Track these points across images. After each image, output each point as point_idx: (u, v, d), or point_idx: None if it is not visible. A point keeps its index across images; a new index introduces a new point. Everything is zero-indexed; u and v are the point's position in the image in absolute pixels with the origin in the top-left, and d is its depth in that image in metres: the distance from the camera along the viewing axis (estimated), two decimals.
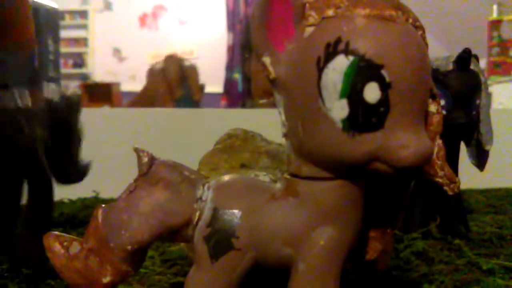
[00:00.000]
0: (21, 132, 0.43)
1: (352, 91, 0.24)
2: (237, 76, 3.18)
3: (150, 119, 1.14)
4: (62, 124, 0.50)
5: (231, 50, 3.34)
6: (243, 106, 2.30)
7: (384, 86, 0.24)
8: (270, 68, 0.27)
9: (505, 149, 1.00)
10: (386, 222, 0.30)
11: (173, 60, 2.17)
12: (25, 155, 0.45)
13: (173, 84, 2.06)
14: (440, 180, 0.29)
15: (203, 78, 2.21)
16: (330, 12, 0.25)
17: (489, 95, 0.62)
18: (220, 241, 0.28)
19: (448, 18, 3.13)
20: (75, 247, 0.30)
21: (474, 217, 0.74)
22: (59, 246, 0.30)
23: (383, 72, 0.24)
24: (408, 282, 0.48)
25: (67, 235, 0.31)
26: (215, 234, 0.28)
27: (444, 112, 0.30)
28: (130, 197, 0.30)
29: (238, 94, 3.05)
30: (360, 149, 0.25)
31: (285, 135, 0.28)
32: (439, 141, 0.29)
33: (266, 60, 0.27)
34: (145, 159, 0.30)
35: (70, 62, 4.00)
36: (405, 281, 0.48)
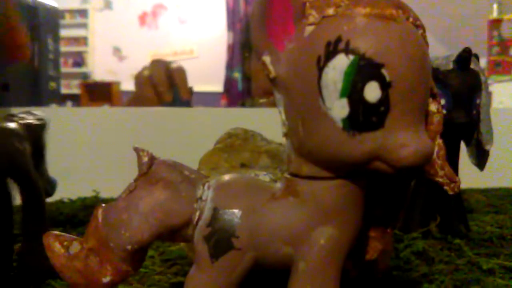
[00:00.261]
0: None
1: (352, 90, 0.24)
2: (237, 75, 3.17)
3: (150, 119, 1.14)
4: (37, 142, 0.52)
5: (231, 49, 3.34)
6: (243, 105, 2.30)
7: (385, 85, 0.24)
8: (270, 67, 0.27)
9: (505, 149, 1.00)
10: (386, 221, 0.30)
11: (159, 65, 2.14)
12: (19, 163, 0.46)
13: (162, 89, 2.04)
14: (440, 179, 0.29)
15: (203, 77, 2.20)
16: (331, 11, 0.25)
17: (489, 94, 0.62)
18: (220, 240, 0.28)
19: (448, 18, 3.13)
20: (75, 247, 0.30)
21: (474, 216, 0.73)
22: (59, 246, 0.30)
23: (384, 71, 0.24)
24: (408, 282, 0.48)
25: (67, 235, 0.31)
26: (215, 233, 0.28)
27: (444, 111, 0.29)
28: (130, 197, 0.30)
29: (238, 93, 3.05)
30: (360, 148, 0.25)
31: (285, 135, 0.28)
32: (439, 141, 0.29)
33: (266, 59, 0.27)
34: (145, 159, 0.30)
35: (70, 61, 4.00)
36: (405, 281, 0.48)
